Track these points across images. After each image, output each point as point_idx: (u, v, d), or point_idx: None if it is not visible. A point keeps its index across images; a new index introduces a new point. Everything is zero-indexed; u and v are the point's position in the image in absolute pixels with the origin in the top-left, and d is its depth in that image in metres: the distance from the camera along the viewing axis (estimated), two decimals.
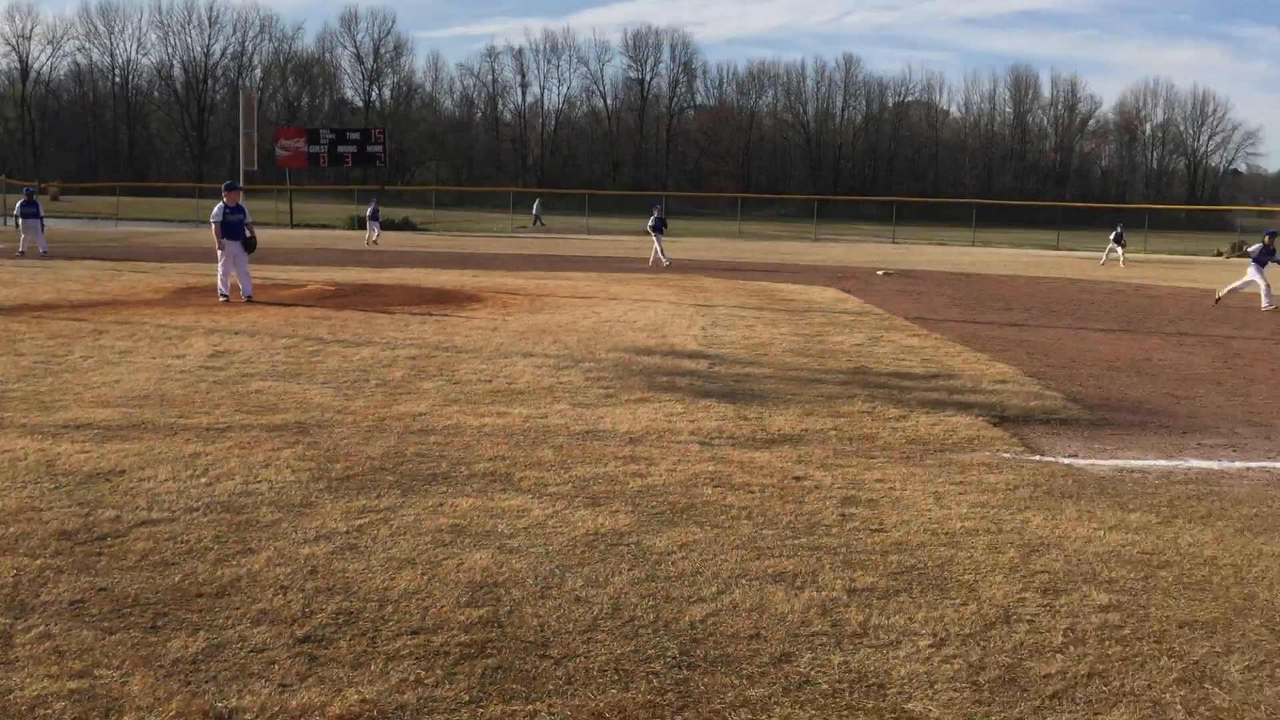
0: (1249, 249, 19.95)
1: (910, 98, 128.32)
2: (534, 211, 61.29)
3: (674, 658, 3.84)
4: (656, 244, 28.57)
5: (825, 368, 10.60)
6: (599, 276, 22.91)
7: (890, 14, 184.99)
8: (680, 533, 5.23)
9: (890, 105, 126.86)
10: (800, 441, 7.34)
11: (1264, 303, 19.67)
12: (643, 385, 9.25)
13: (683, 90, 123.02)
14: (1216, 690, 3.73)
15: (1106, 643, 4.09)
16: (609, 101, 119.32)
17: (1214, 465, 7.14)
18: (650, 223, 29.12)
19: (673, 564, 4.79)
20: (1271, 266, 19.98)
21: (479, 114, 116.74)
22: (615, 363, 10.41)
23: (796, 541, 5.16)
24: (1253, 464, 7.21)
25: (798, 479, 6.32)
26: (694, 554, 4.93)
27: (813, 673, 3.77)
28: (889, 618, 4.27)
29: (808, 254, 37.95)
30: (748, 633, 4.08)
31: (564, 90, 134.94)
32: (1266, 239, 20.04)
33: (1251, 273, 19.96)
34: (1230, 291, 20.67)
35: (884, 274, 26.89)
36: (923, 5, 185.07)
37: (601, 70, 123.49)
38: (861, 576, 4.71)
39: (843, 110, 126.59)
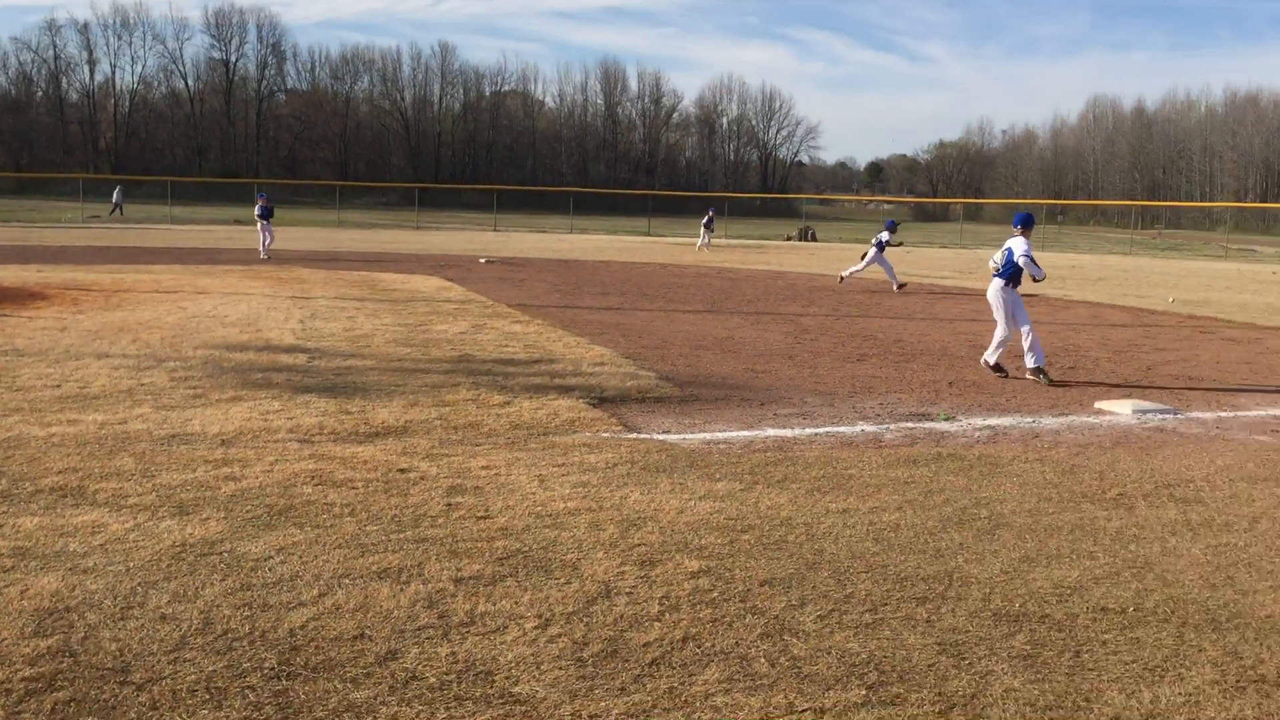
0: (880, 237, 21.93)
1: (507, 87, 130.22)
2: (114, 199, 56.42)
3: (272, 669, 3.65)
4: (266, 233, 27.14)
5: (429, 357, 10.53)
6: (185, 269, 21.49)
7: (484, 3, 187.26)
8: (278, 536, 4.99)
9: (488, 94, 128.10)
10: (405, 433, 7.24)
11: (894, 284, 21.88)
12: (236, 383, 8.76)
13: (272, 73, 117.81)
14: (794, 640, 4.05)
15: (698, 606, 4.34)
16: (191, 83, 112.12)
17: (788, 433, 7.77)
18: (257, 210, 27.69)
19: (270, 570, 4.56)
20: (889, 251, 22.20)
21: (39, 93, 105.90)
22: (205, 361, 9.79)
23: (402, 535, 5.08)
24: (820, 430, 7.92)
25: (403, 471, 6.22)
26: (293, 557, 4.72)
27: (420, 667, 3.71)
28: (495, 604, 4.29)
29: (410, 242, 37.58)
30: (352, 634, 3.96)
31: (139, 69, 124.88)
32: (890, 227, 22.22)
33: (871, 256, 22.01)
34: (853, 274, 22.69)
35: (486, 261, 27.15)
36: None
37: (181, 49, 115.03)
38: (468, 565, 4.71)
39: (441, 98, 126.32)
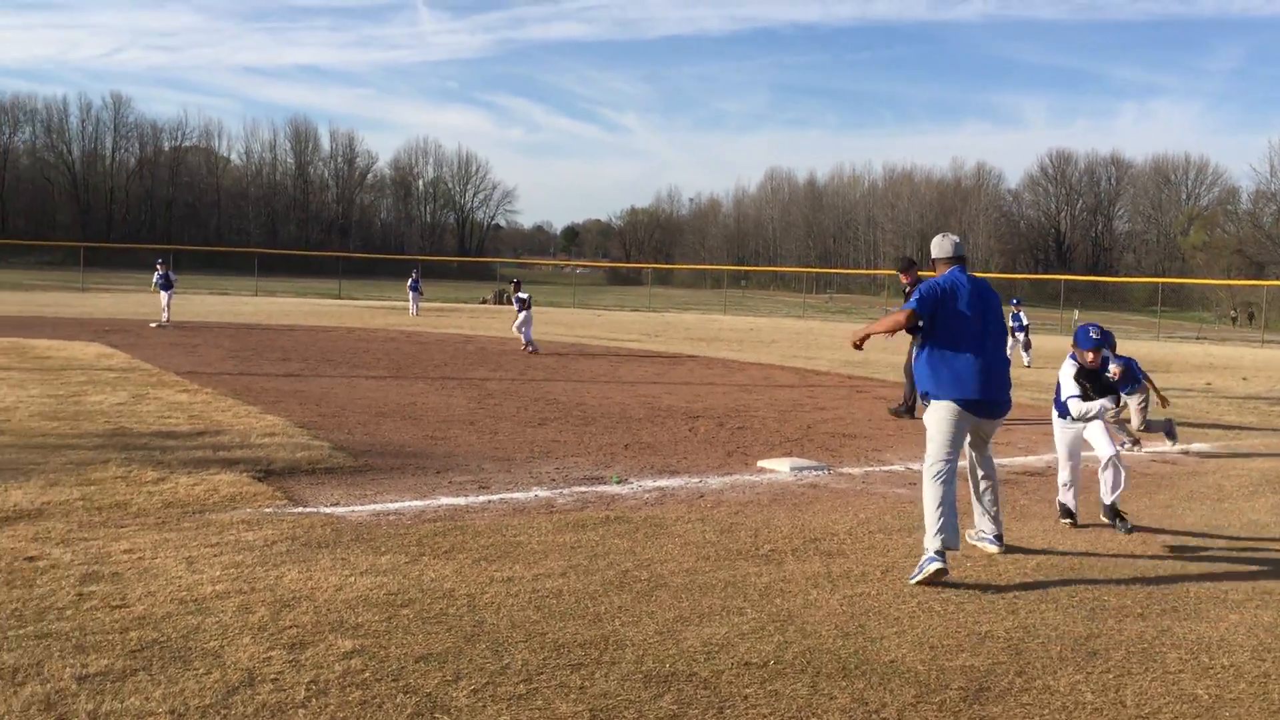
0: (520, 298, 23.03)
1: (188, 143, 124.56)
2: None
3: None
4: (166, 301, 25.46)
5: (79, 431, 9.76)
6: None
7: (167, 55, 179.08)
8: None
9: (167, 149, 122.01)
10: (39, 517, 6.65)
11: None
12: None
13: None
14: (445, 718, 3.98)
15: (348, 689, 4.19)
16: None
17: (461, 501, 7.71)
18: (156, 279, 25.85)
19: None
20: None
21: None
22: None
23: (21, 631, 4.63)
24: (494, 497, 7.92)
25: (30, 559, 5.70)
26: None
27: None
28: (124, 701, 3.98)
29: (74, 306, 34.95)
30: None
31: None
32: (513, 286, 23.09)
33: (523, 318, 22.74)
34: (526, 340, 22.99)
35: (158, 326, 25.61)
36: (202, 49, 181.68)
37: None
38: (96, 660, 4.35)
39: (114, 152, 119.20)
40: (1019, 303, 25.61)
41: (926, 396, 6.52)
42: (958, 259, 6.83)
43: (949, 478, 6.25)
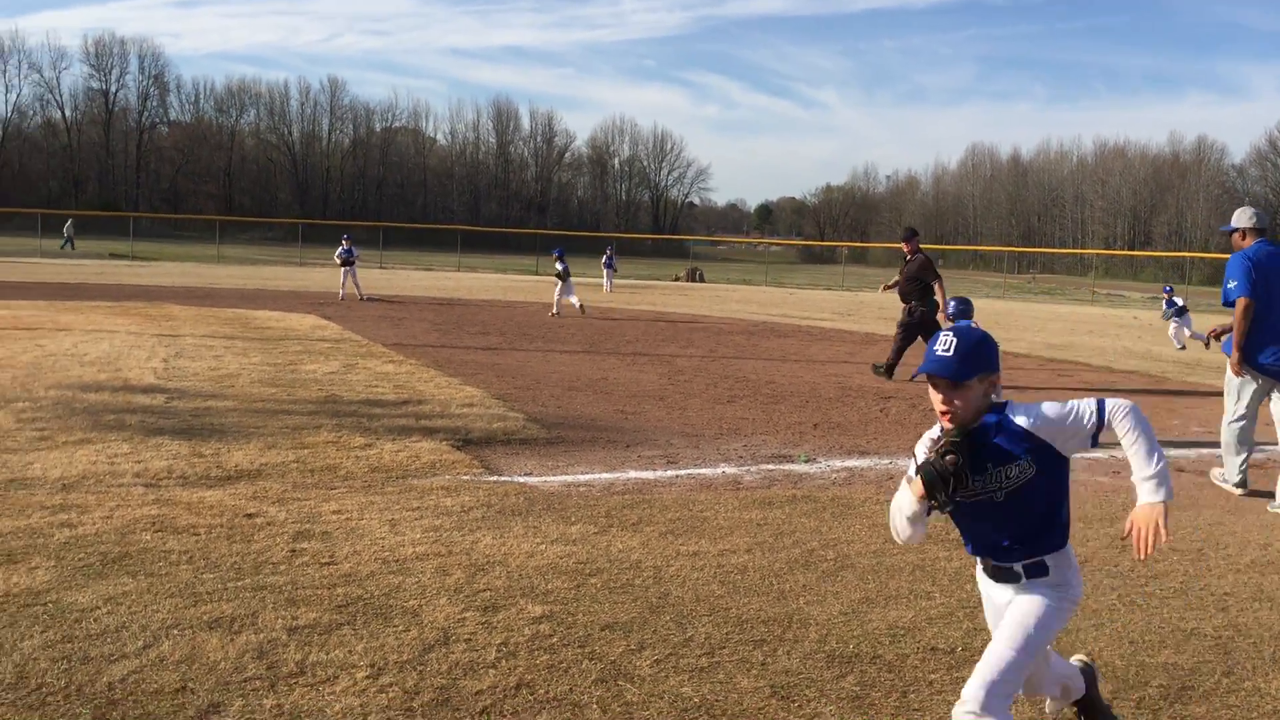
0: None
1: (398, 124, 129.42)
2: (66, 233, 55.67)
3: None
4: (348, 278, 27.68)
5: (294, 398, 10.34)
6: (49, 305, 20.73)
7: (380, 39, 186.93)
8: (109, 585, 4.84)
9: (378, 130, 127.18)
10: (258, 476, 7.09)
11: (577, 306, 24.43)
12: (86, 425, 8.48)
13: (154, 104, 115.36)
14: (629, 686, 4.06)
15: (536, 653, 4.33)
16: (68, 113, 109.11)
17: (650, 475, 7.82)
18: (339, 253, 28.18)
19: (95, 620, 4.42)
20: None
21: None
22: (56, 401, 9.47)
23: (240, 583, 4.97)
24: (681, 471, 7.99)
25: (250, 516, 6.09)
26: (122, 607, 4.58)
27: None
28: (329, 653, 4.22)
29: (292, 279, 36.92)
30: (174, 686, 3.85)
31: (13, 98, 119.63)
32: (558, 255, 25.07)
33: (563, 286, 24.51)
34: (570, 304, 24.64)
35: (367, 299, 26.81)
36: (413, 33, 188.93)
37: (58, 78, 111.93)
38: (305, 613, 4.62)
39: (330, 133, 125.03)
40: (1170, 290, 24.91)
41: (1237, 359, 7.66)
42: (1261, 230, 7.64)
43: (1247, 425, 7.74)
